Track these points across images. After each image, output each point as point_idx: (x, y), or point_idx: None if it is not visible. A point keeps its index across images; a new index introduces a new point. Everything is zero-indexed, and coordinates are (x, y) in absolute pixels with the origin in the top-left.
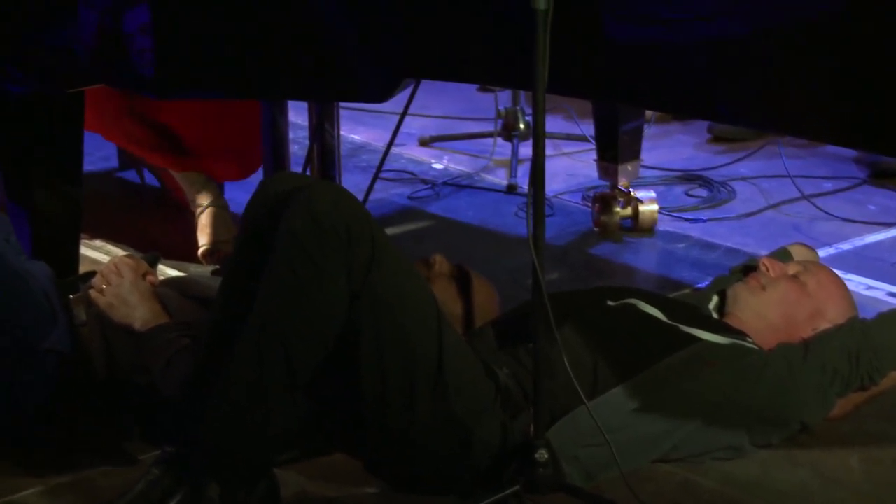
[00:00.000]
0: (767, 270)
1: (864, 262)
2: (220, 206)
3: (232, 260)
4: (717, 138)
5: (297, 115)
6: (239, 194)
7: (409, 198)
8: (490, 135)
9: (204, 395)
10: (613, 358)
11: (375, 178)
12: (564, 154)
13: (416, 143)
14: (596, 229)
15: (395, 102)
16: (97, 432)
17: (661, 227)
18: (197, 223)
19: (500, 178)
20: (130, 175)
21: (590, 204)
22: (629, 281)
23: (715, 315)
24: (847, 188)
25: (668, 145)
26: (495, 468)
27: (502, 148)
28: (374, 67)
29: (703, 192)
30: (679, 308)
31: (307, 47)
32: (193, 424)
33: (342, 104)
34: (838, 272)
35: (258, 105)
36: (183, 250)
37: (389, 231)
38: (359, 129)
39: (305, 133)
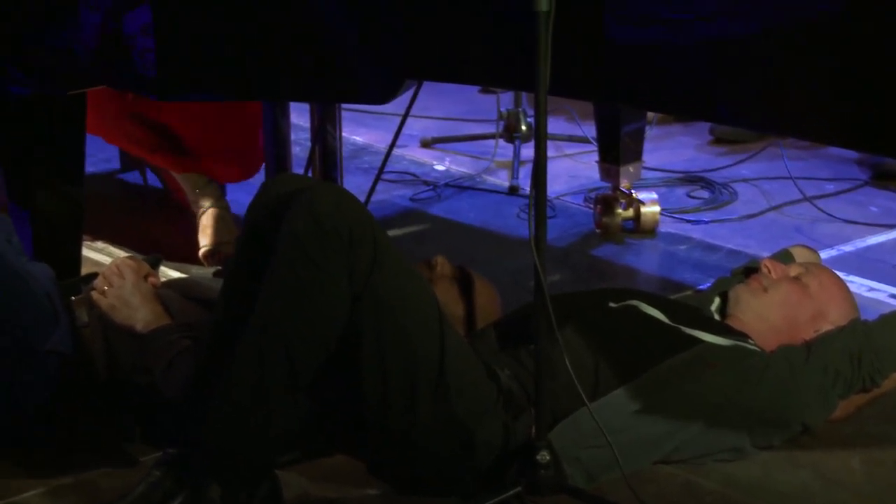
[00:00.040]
0: (769, 272)
1: (866, 263)
2: (221, 207)
3: (233, 261)
4: (718, 140)
5: (299, 117)
6: (241, 196)
7: (411, 199)
8: (492, 136)
9: (205, 397)
10: (615, 359)
11: (377, 179)
12: (566, 155)
13: (418, 144)
14: (598, 231)
15: (397, 104)
16: (98, 433)
17: (662, 228)
18: (198, 224)
19: (501, 180)
20: (132, 177)
21: (591, 205)
22: (631, 282)
23: (717, 317)
24: (849, 190)
25: (670, 147)
26: (497, 469)
27: (504, 149)
28: (375, 69)
29: (704, 194)
30: (681, 310)
31: (308, 48)
32: (195, 426)
33: (344, 106)
34: (840, 274)
35: (259, 106)
36: (185, 252)
37: (391, 232)
38: (360, 131)
39: (307, 134)
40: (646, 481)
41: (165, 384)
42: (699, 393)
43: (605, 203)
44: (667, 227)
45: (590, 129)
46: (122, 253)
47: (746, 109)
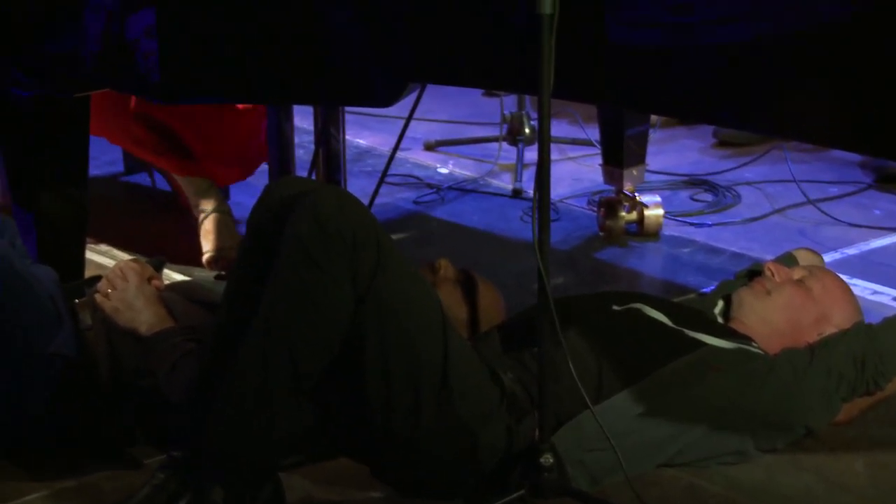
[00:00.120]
0: (773, 275)
1: (870, 266)
2: (223, 211)
3: (237, 264)
4: (722, 143)
5: (303, 120)
6: (244, 199)
7: (415, 202)
8: (495, 139)
9: (209, 400)
10: (618, 362)
11: (381, 182)
12: (570, 158)
13: (422, 147)
14: (601, 234)
15: (401, 107)
16: (102, 436)
17: (666, 231)
18: (200, 229)
19: (505, 183)
20: (136, 179)
21: (595, 208)
22: (634, 285)
23: (720, 320)
24: (853, 193)
25: (674, 150)
26: (500, 472)
27: (507, 152)
28: (378, 72)
29: (708, 197)
30: (684, 313)
31: (312, 51)
32: (198, 428)
33: (347, 109)
34: (844, 277)
35: (258, 107)
36: (188, 254)
37: (395, 236)
38: (364, 134)
39: (311, 137)
40: (649, 484)
41: (169, 387)
42: (702, 396)
43: (609, 206)
44: (670, 230)
45: (593, 132)
46: (125, 256)
47: (750, 112)
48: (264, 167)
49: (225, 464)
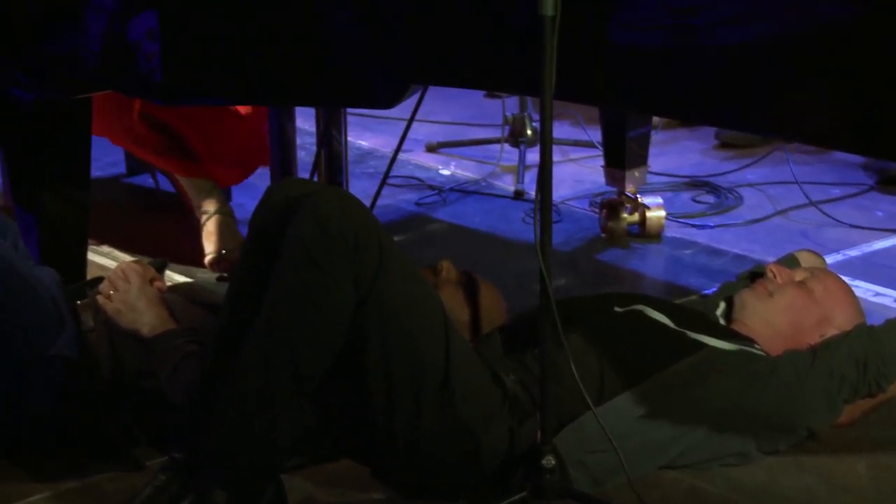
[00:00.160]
0: (775, 277)
1: (872, 268)
2: (225, 213)
3: (239, 266)
4: (724, 144)
5: (305, 121)
6: (246, 200)
7: (417, 204)
8: (497, 141)
9: (211, 401)
10: (620, 364)
11: (383, 184)
12: (571, 160)
13: (424, 149)
14: (603, 235)
15: (403, 109)
16: (104, 438)
17: (668, 233)
18: (202, 230)
19: (507, 184)
20: (138, 181)
21: (597, 210)
22: (636, 287)
23: (722, 321)
24: (855, 194)
25: (676, 151)
26: (502, 474)
27: (509, 154)
28: (379, 72)
29: (710, 199)
30: (686, 314)
31: (313, 52)
32: (200, 430)
33: (349, 110)
34: (846, 278)
35: (258, 108)
36: (190, 256)
37: (396, 237)
38: (366, 136)
39: (313, 139)
40: (651, 486)
41: (171, 388)
42: (705, 398)
43: (611, 207)
44: (672, 231)
45: (595, 134)
46: (127, 257)
47: (750, 113)
48: (266, 168)
49: (227, 465)
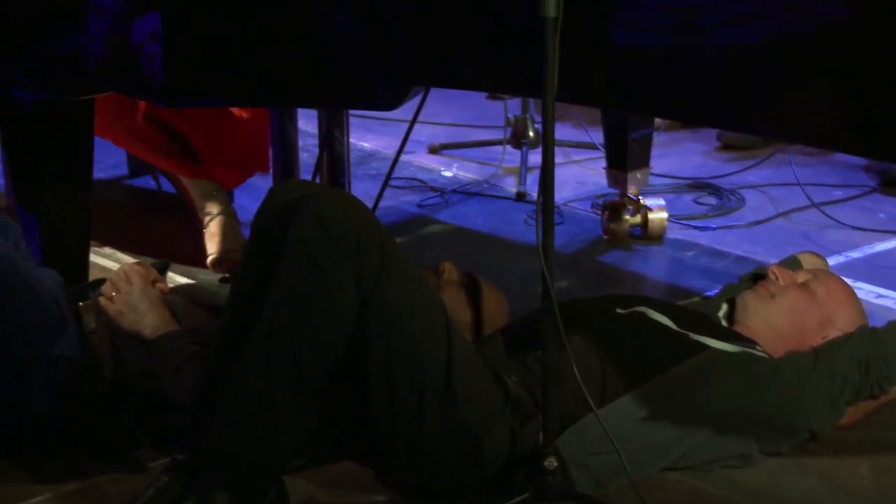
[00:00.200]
0: (777, 278)
1: (874, 270)
2: (228, 214)
3: (241, 267)
4: (726, 146)
5: (307, 123)
6: (248, 202)
7: (419, 205)
8: (499, 142)
9: (213, 403)
10: (622, 365)
11: (385, 185)
12: (574, 162)
13: (426, 150)
14: (605, 237)
15: (405, 110)
16: (106, 439)
17: (670, 234)
18: (205, 232)
19: (509, 186)
20: (140, 182)
21: (599, 212)
22: (638, 289)
23: (724, 323)
24: (857, 196)
25: (678, 153)
26: (504, 476)
27: (511, 156)
28: (379, 72)
29: (712, 200)
30: (688, 316)
31: (313, 52)
32: (202, 432)
33: (352, 112)
34: (848, 280)
35: (260, 109)
36: (192, 257)
37: (399, 239)
38: (368, 137)
39: (315, 141)
40: (653, 488)
41: (173, 390)
42: (707, 399)
43: (613, 209)
44: (674, 233)
45: (597, 136)
46: (129, 258)
47: (750, 114)
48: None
49: (229, 466)
